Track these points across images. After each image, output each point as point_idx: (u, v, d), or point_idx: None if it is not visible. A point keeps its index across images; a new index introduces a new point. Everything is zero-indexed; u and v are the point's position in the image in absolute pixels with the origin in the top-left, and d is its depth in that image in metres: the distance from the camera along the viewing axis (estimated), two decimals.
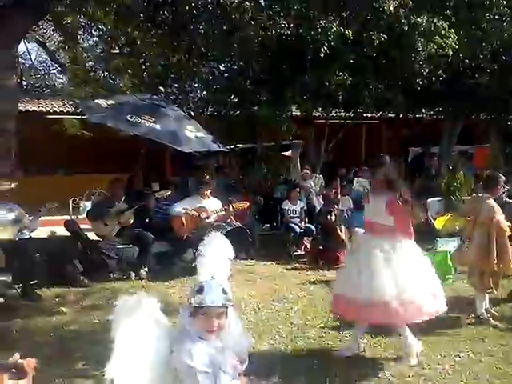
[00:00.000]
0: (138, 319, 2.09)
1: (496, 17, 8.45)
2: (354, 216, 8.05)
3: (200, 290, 2.13)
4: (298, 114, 9.37)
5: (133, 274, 6.35)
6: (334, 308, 4.31)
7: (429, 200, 8.23)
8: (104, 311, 4.99)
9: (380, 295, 3.63)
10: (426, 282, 3.80)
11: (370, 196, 4.00)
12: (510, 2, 8.42)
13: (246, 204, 7.07)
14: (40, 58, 18.26)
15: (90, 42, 13.54)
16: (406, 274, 3.71)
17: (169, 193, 6.96)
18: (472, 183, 8.62)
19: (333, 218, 7.64)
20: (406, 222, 3.81)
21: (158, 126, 6.05)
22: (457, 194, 8.23)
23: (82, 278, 5.99)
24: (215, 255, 2.41)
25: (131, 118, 6.01)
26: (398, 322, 3.78)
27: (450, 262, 6.14)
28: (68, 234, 6.43)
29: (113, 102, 6.37)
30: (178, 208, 6.76)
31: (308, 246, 7.78)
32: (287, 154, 11.46)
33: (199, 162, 10.17)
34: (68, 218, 7.62)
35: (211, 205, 6.95)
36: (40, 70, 17.99)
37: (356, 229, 6.49)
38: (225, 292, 2.15)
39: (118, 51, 11.25)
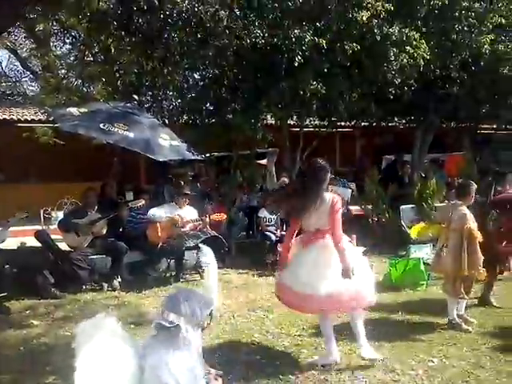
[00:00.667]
0: (98, 342, 2.05)
1: (465, 28, 8.65)
2: None
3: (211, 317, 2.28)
4: (273, 122, 9.40)
5: (105, 285, 6.24)
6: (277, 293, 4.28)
7: (402, 207, 8.34)
8: (76, 323, 4.86)
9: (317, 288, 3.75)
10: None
11: None
12: (477, 14, 8.64)
13: (222, 216, 7.04)
14: (11, 66, 18.00)
15: (63, 50, 13.44)
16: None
17: (142, 202, 6.89)
18: (444, 191, 8.77)
19: None
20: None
21: (131, 134, 5.98)
22: (429, 201, 8.36)
23: (52, 289, 5.86)
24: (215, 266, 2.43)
25: (104, 126, 5.93)
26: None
27: (422, 268, 6.24)
28: (39, 244, 6.29)
29: (85, 110, 6.29)
30: (159, 213, 6.69)
31: None
32: (262, 162, 11.50)
33: (174, 170, 10.14)
34: (39, 228, 7.45)
35: (187, 214, 6.91)
36: (11, 77, 17.68)
37: None
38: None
39: (91, 59, 11.19)
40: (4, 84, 16.37)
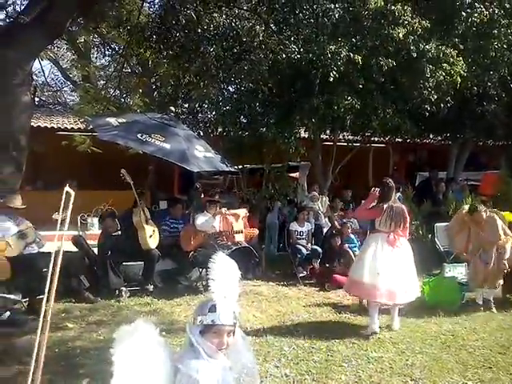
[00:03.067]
0: (136, 344, 2.10)
1: (504, 46, 8.53)
2: (351, 239, 8.02)
3: (213, 309, 2.18)
4: (306, 135, 9.43)
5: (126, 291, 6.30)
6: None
7: (436, 225, 8.20)
8: (109, 328, 4.99)
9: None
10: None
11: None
12: None
13: (255, 232, 7.09)
14: (53, 75, 18.64)
15: (103, 61, 13.88)
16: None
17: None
18: None
19: (338, 241, 7.64)
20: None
21: (167, 145, 6.11)
22: None
23: (86, 293, 5.99)
24: (226, 275, 2.42)
25: (141, 136, 6.08)
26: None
27: (457, 287, 6.14)
28: (75, 249, 6.46)
29: (123, 121, 6.45)
30: (204, 221, 6.81)
31: (315, 268, 7.76)
32: (294, 175, 11.51)
33: (203, 180, 10.29)
34: (76, 233, 7.63)
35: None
36: (52, 86, 18.31)
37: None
38: (234, 311, 2.20)
39: (129, 70, 11.50)
40: (46, 93, 16.96)
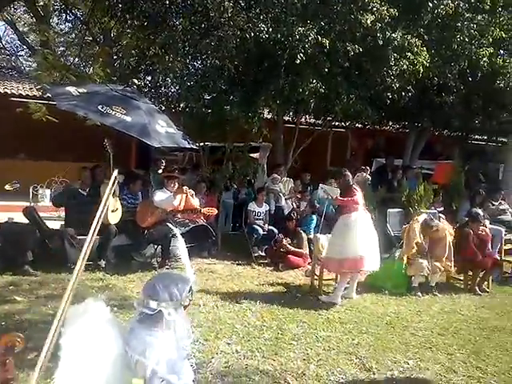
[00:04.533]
0: (86, 325, 2.10)
1: (466, 39, 8.73)
2: (310, 220, 8.17)
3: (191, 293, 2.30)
4: (269, 116, 9.42)
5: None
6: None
7: (389, 210, 8.44)
8: (59, 302, 4.90)
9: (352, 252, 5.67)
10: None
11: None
12: (479, 26, 8.72)
13: (214, 211, 7.07)
14: (8, 39, 17.78)
15: (63, 27, 13.32)
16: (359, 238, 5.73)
17: None
18: (431, 196, 8.89)
19: (294, 222, 7.77)
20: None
21: (128, 118, 5.94)
22: (416, 206, 8.48)
23: (27, 267, 5.86)
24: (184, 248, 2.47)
25: (102, 108, 5.88)
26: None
27: (404, 272, 6.38)
28: (27, 221, 6.29)
29: (84, 91, 6.22)
30: (162, 197, 6.75)
31: (270, 248, 7.85)
32: (255, 155, 11.51)
33: (163, 156, 10.14)
34: (27, 204, 7.41)
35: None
36: (8, 50, 17.47)
37: (317, 235, 6.64)
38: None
39: (91, 39, 11.09)
40: (0, 57, 16.18)
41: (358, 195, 5.88)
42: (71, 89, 6.18)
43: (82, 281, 5.80)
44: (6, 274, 5.78)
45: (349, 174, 6.15)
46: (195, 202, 7.09)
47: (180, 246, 2.50)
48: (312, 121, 11.26)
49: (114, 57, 10.75)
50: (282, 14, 7.76)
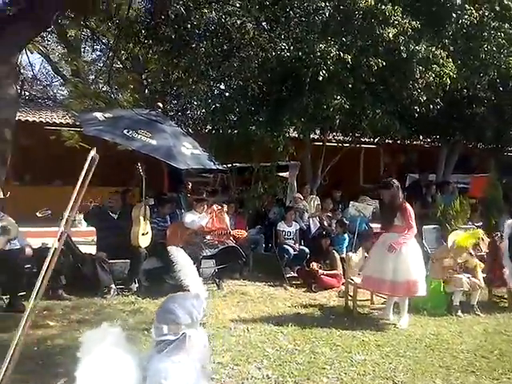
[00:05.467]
0: (100, 352, 2.04)
1: (494, 48, 8.54)
2: (342, 239, 7.99)
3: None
4: (295, 135, 9.38)
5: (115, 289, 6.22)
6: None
7: (424, 227, 8.19)
8: (91, 327, 4.89)
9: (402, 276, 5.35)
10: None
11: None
12: (507, 35, 8.52)
13: (243, 234, 7.04)
14: (43, 70, 18.45)
15: (93, 56, 13.73)
16: (412, 261, 5.44)
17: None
18: (468, 211, 8.60)
19: (327, 242, 7.62)
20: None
21: (153, 142, 6.02)
22: (452, 222, 8.21)
23: (61, 291, 5.90)
24: (193, 270, 2.39)
25: (128, 132, 5.98)
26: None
27: (443, 290, 6.13)
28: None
29: (110, 116, 6.36)
30: (192, 218, 6.74)
31: (302, 269, 7.71)
32: (284, 174, 11.46)
33: (193, 178, 10.21)
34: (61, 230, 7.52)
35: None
36: (42, 81, 18.12)
37: (349, 253, 6.49)
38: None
39: (120, 66, 11.39)
40: (35, 87, 16.76)
41: (412, 212, 5.54)
42: (98, 114, 6.31)
43: (113, 305, 5.84)
44: (41, 299, 5.82)
45: (398, 184, 5.69)
46: (225, 219, 7.08)
47: (185, 263, 2.42)
48: (340, 138, 11.14)
49: (144, 83, 11.03)
50: (303, 32, 7.78)
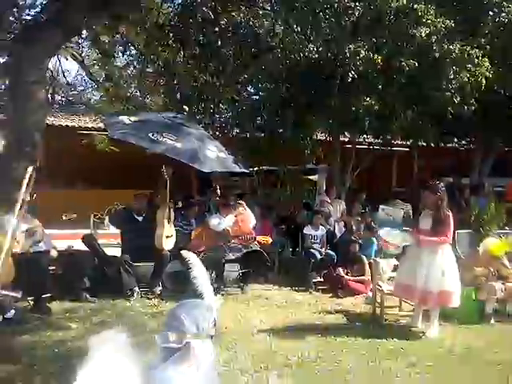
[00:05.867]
0: (101, 359, 1.97)
1: None
2: (370, 244, 7.76)
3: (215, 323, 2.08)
4: (323, 137, 9.23)
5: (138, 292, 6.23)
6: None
7: (457, 232, 7.88)
8: (112, 328, 4.90)
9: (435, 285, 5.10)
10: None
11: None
12: None
13: (268, 239, 6.95)
14: (79, 76, 18.86)
15: (124, 61, 13.91)
16: (447, 270, 5.16)
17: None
18: (504, 216, 8.26)
19: (356, 247, 7.43)
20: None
21: (179, 145, 5.99)
22: (487, 226, 7.89)
23: (84, 293, 5.94)
24: (207, 279, 2.28)
25: (153, 135, 5.96)
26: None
27: (475, 298, 5.86)
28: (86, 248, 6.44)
29: (136, 119, 6.36)
30: (217, 221, 6.73)
31: (329, 274, 7.54)
32: (313, 177, 11.31)
33: (221, 182, 10.18)
34: (87, 232, 7.62)
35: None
36: (77, 86, 18.52)
37: (377, 259, 6.30)
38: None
39: (150, 70, 11.50)
40: (70, 93, 17.15)
41: (452, 222, 5.24)
42: (124, 118, 6.33)
43: (136, 307, 5.85)
44: (64, 300, 5.89)
45: (444, 190, 5.31)
46: (251, 220, 7.00)
47: (199, 272, 2.31)
48: (371, 140, 10.91)
49: (176, 87, 11.10)
50: (332, 33, 7.65)
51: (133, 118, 6.36)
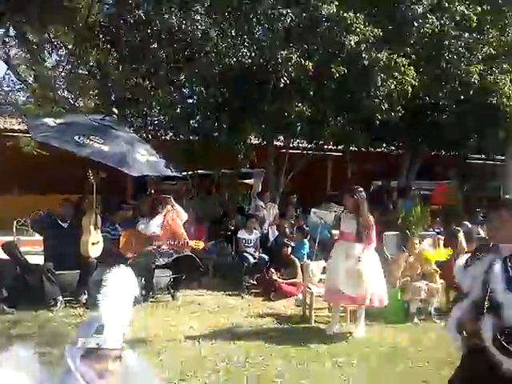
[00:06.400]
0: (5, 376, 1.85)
1: (455, 57, 8.63)
2: (302, 246, 7.87)
3: (100, 330, 1.95)
4: (257, 142, 9.27)
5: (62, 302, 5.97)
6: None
7: (385, 233, 8.16)
8: (32, 341, 4.65)
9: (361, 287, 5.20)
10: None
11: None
12: (467, 44, 8.62)
13: (199, 245, 6.84)
14: (6, 76, 17.90)
15: (53, 61, 13.38)
16: (373, 272, 5.29)
17: None
18: (429, 218, 8.63)
19: (289, 250, 7.51)
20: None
21: (106, 148, 5.83)
22: (413, 228, 8.21)
23: (1, 305, 5.61)
24: (120, 291, 2.17)
25: (79, 138, 5.77)
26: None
27: (400, 298, 6.07)
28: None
29: (61, 121, 6.14)
30: (144, 224, 6.52)
31: (261, 277, 7.56)
32: (249, 181, 11.35)
33: (156, 186, 10.00)
34: (8, 239, 7.21)
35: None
36: (4, 86, 17.59)
37: (307, 261, 6.39)
38: (124, 333, 1.99)
39: (81, 71, 11.12)
40: None
41: (374, 225, 5.37)
42: (49, 120, 6.10)
43: (59, 318, 5.58)
44: None
45: (363, 193, 5.41)
46: (182, 217, 6.87)
47: (115, 286, 2.20)
48: (305, 145, 11.10)
49: (105, 88, 10.78)
50: (265, 39, 7.71)
51: (58, 121, 6.15)
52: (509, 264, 2.38)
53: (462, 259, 2.74)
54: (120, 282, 2.22)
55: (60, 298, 5.92)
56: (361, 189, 5.46)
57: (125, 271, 2.28)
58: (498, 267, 2.39)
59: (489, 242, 2.66)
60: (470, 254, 2.71)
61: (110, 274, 2.19)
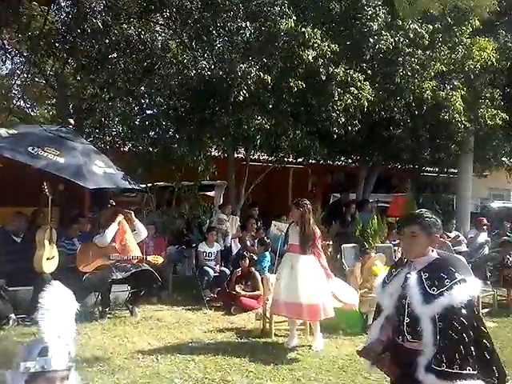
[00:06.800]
0: None
1: (409, 73, 8.89)
2: (263, 259, 7.87)
3: (44, 352, 1.88)
4: (218, 154, 9.24)
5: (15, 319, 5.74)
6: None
7: (343, 246, 8.29)
8: None
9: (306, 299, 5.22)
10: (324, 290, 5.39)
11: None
12: (420, 61, 8.90)
13: (159, 259, 6.71)
14: None
15: (5, 69, 12.99)
16: (318, 283, 5.31)
17: None
18: (385, 230, 8.81)
19: (247, 262, 7.49)
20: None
21: (61, 160, 5.68)
22: (370, 240, 8.36)
23: None
24: (61, 309, 2.10)
25: (33, 149, 5.61)
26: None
27: (358, 310, 6.15)
28: None
29: (14, 132, 5.96)
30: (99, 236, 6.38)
31: (222, 290, 7.51)
32: (211, 194, 11.28)
33: (116, 198, 9.79)
34: None
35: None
36: None
37: (267, 274, 6.40)
38: (69, 352, 1.92)
39: (38, 80, 10.84)
40: None
41: (319, 236, 5.49)
42: (1, 130, 5.89)
43: (11, 336, 5.37)
44: None
45: (309, 206, 5.44)
46: (142, 233, 6.75)
47: (58, 306, 2.13)
48: (266, 157, 11.15)
49: (62, 98, 10.53)
50: (224, 52, 7.74)
51: (11, 131, 5.97)
52: (423, 276, 2.45)
53: (380, 277, 2.82)
54: (57, 301, 2.15)
55: (13, 315, 5.70)
56: (306, 201, 5.51)
57: (60, 288, 2.22)
58: (413, 280, 2.46)
59: (404, 257, 2.74)
60: (387, 272, 2.78)
61: (44, 293, 2.12)
